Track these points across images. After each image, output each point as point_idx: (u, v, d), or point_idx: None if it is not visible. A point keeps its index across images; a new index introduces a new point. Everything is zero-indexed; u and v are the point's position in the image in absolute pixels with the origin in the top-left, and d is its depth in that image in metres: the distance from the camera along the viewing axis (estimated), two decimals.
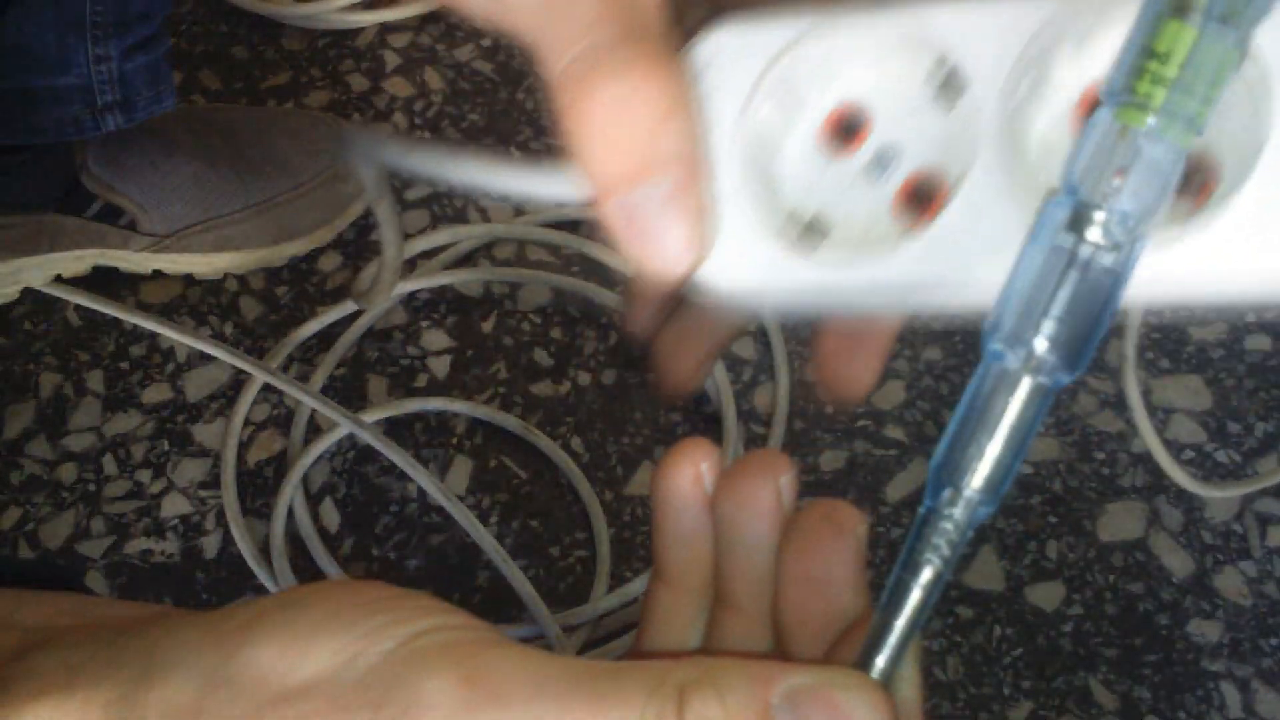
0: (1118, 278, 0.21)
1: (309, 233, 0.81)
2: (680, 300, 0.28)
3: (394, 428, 0.76)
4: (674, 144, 0.23)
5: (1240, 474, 0.75)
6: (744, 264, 0.24)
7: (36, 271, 0.78)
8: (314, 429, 0.76)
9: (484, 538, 0.70)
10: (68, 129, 0.72)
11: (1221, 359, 0.80)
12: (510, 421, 0.76)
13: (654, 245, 0.24)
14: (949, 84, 0.23)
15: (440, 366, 0.79)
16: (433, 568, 0.71)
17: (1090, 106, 0.22)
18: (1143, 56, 0.20)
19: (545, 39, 0.23)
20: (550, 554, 0.72)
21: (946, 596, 0.70)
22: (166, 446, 0.75)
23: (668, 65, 0.23)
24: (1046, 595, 0.71)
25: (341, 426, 0.74)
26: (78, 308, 0.80)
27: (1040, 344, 0.21)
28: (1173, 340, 0.81)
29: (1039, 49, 0.22)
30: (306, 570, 0.71)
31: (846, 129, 0.24)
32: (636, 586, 0.70)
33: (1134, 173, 0.20)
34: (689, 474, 0.29)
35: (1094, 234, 0.21)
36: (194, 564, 0.71)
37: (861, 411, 0.77)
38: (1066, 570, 0.72)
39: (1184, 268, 0.22)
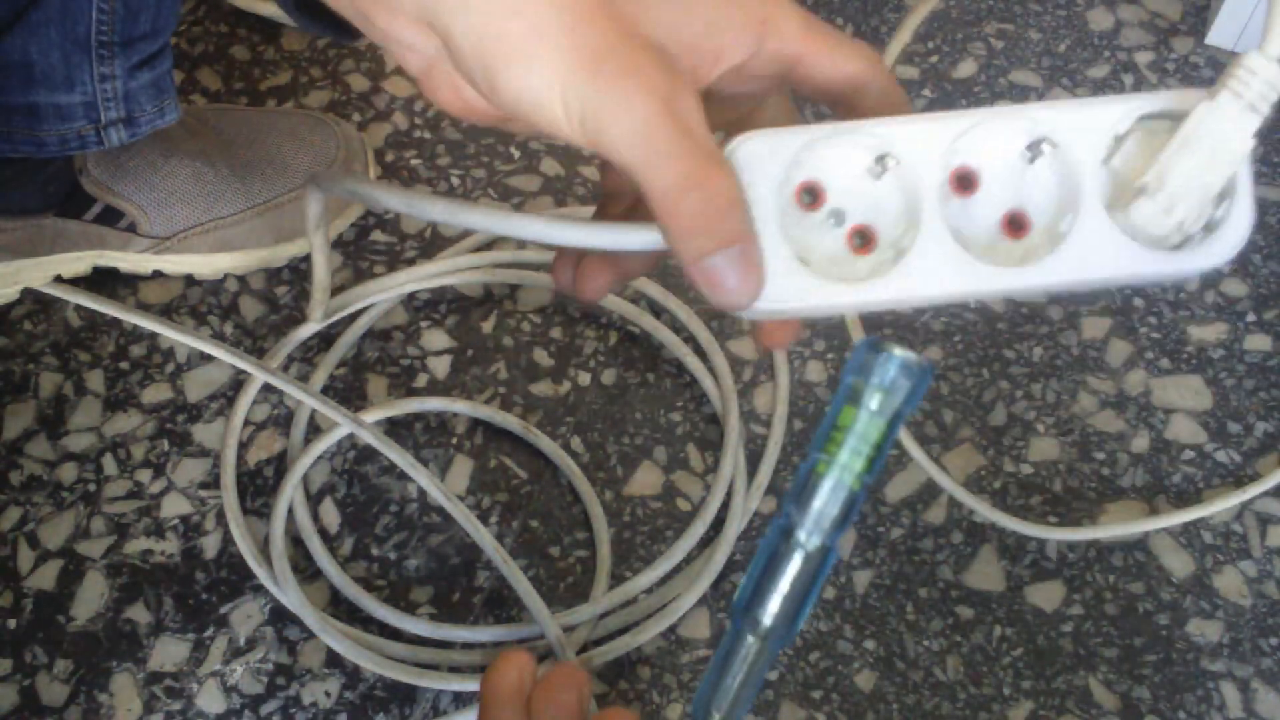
0: (819, 572, 0.32)
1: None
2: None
3: (394, 428, 0.76)
4: (737, 224, 0.33)
5: (1240, 474, 0.75)
6: (783, 290, 0.35)
7: (36, 272, 0.78)
8: (314, 429, 0.76)
9: (484, 538, 0.70)
10: (71, 144, 0.72)
11: (1221, 359, 0.80)
12: (510, 421, 0.76)
13: (729, 292, 0.34)
14: (878, 169, 0.35)
15: (440, 366, 0.79)
16: (433, 568, 0.71)
17: (958, 181, 0.35)
18: (830, 429, 0.34)
19: (643, 164, 0.33)
20: (550, 554, 0.72)
21: (947, 596, 0.70)
22: (166, 446, 0.75)
23: (724, 171, 0.33)
24: (1046, 595, 0.71)
25: (341, 426, 0.74)
26: (78, 308, 0.80)
27: (766, 617, 0.32)
28: (1173, 340, 0.81)
29: (956, 145, 0.35)
30: (306, 570, 0.71)
31: (812, 195, 0.35)
32: (637, 586, 0.70)
33: (818, 499, 0.33)
34: (514, 677, 0.41)
35: (803, 544, 0.32)
36: (194, 564, 0.71)
37: None
38: (1066, 570, 0.72)
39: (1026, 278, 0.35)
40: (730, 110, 0.39)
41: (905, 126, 0.35)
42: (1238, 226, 0.35)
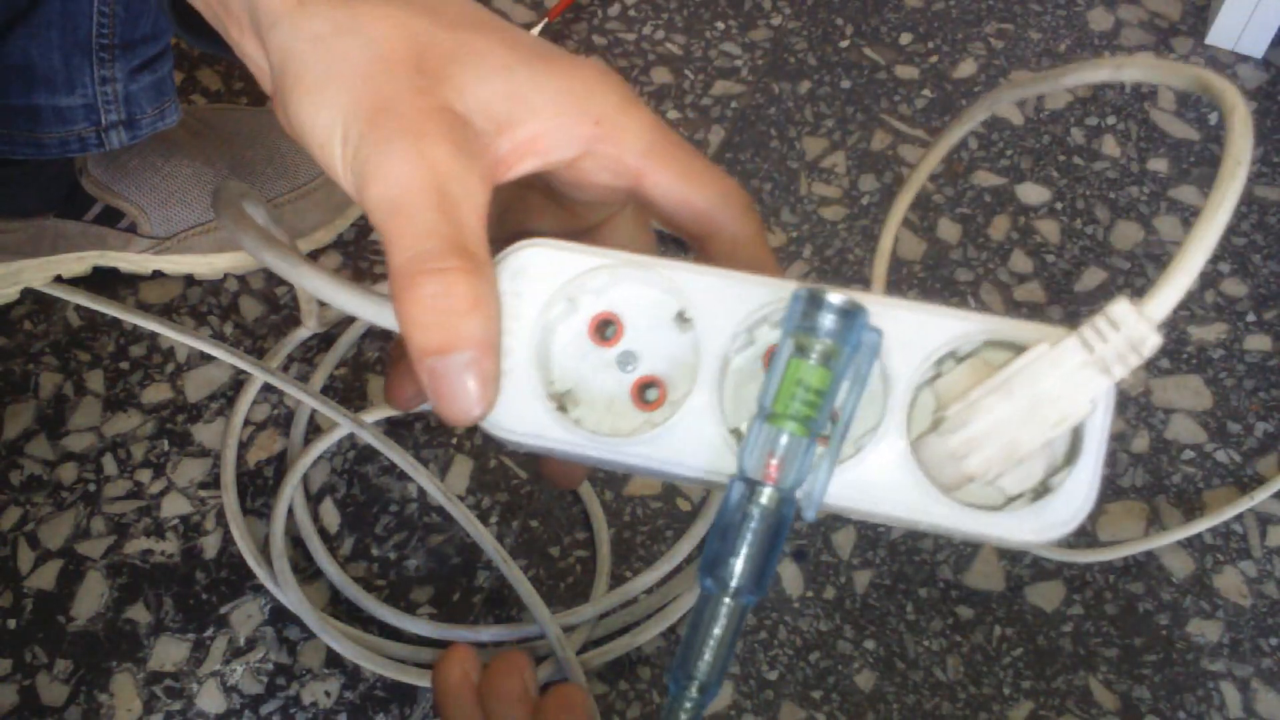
0: (780, 526, 0.31)
1: (309, 234, 0.81)
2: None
3: (394, 427, 0.76)
4: (474, 329, 0.30)
5: (1241, 474, 0.75)
6: (520, 417, 0.32)
7: (37, 272, 0.78)
8: (314, 429, 0.76)
9: (484, 538, 0.70)
10: (72, 146, 0.72)
11: (1221, 359, 0.80)
12: None
13: (451, 400, 0.31)
14: (684, 320, 0.32)
15: None
16: (433, 568, 0.71)
17: (769, 358, 0.32)
18: (776, 383, 0.31)
19: (390, 236, 0.30)
20: (550, 554, 0.72)
21: (947, 596, 0.70)
22: (166, 446, 0.75)
23: (476, 268, 0.30)
24: (1047, 595, 0.71)
25: (341, 426, 0.74)
26: (78, 308, 0.80)
27: (731, 576, 0.31)
28: (1173, 340, 0.81)
29: (753, 318, 0.32)
30: (306, 570, 0.71)
31: (606, 331, 0.33)
32: (637, 586, 0.70)
33: (769, 451, 0.31)
34: (458, 672, 0.40)
35: (760, 499, 0.31)
36: (194, 564, 0.71)
37: None
38: (1066, 570, 0.72)
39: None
40: (575, 218, 0.36)
41: (703, 279, 0.32)
42: (1068, 502, 0.30)
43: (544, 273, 0.32)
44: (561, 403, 0.33)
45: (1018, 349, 0.30)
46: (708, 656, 0.32)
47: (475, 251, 0.30)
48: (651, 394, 0.33)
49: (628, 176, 0.33)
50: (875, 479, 0.31)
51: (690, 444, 0.32)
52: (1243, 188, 0.29)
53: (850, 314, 0.31)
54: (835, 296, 0.31)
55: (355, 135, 0.30)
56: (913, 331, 0.31)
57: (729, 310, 0.32)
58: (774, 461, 0.31)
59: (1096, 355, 0.29)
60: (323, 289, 0.33)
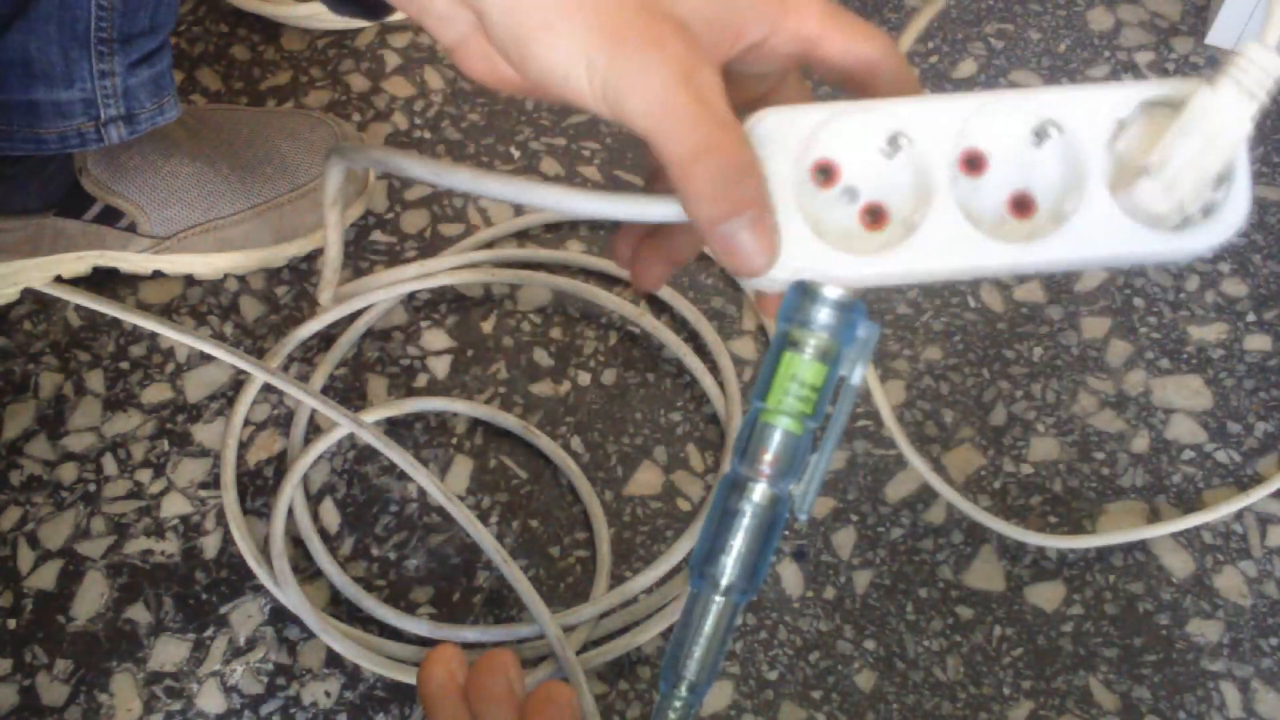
0: (774, 523, 0.32)
1: (309, 233, 0.81)
2: (651, 230, 0.42)
3: (394, 428, 0.76)
4: (752, 191, 0.34)
5: (1241, 474, 0.75)
6: (797, 259, 0.35)
7: (36, 272, 0.78)
8: (314, 429, 0.76)
9: (484, 538, 0.70)
10: (71, 141, 0.72)
11: (1221, 359, 0.80)
12: (510, 421, 0.76)
13: (744, 257, 0.35)
14: (891, 148, 0.36)
15: (440, 366, 0.79)
16: (433, 568, 0.71)
17: (967, 162, 0.36)
18: (770, 377, 0.34)
19: (663, 133, 0.34)
20: (550, 554, 0.72)
21: (947, 597, 0.70)
22: (166, 446, 0.75)
23: (739, 140, 0.35)
24: (1047, 595, 0.71)
25: (341, 426, 0.74)
26: (78, 308, 0.80)
27: (723, 574, 0.32)
28: (1173, 340, 0.81)
29: (968, 125, 0.36)
30: (306, 571, 0.71)
31: (827, 173, 0.36)
32: (637, 585, 0.70)
33: (762, 448, 0.32)
34: (443, 672, 0.42)
35: (753, 495, 0.32)
36: (194, 564, 0.71)
37: (861, 411, 0.77)
38: (1066, 570, 0.72)
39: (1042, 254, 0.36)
40: (748, 90, 0.40)
41: (918, 106, 0.36)
42: (1235, 209, 0.36)
43: (787, 132, 0.36)
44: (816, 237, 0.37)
45: (1172, 103, 0.36)
46: (698, 655, 0.32)
47: (735, 126, 0.35)
48: (875, 217, 0.36)
49: (807, 43, 0.38)
50: (1092, 231, 0.36)
51: (943, 242, 0.36)
52: None
53: (847, 307, 0.31)
54: (831, 290, 0.31)
55: (602, 61, 0.34)
56: (1090, 105, 0.36)
57: (942, 124, 0.36)
58: (767, 458, 0.31)
59: (1244, 86, 0.35)
60: (587, 205, 0.37)
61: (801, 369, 0.32)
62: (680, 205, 0.35)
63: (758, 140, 0.36)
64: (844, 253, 0.36)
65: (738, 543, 0.32)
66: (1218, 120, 0.35)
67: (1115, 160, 0.36)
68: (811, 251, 0.36)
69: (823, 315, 0.32)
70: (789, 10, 0.38)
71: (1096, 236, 0.36)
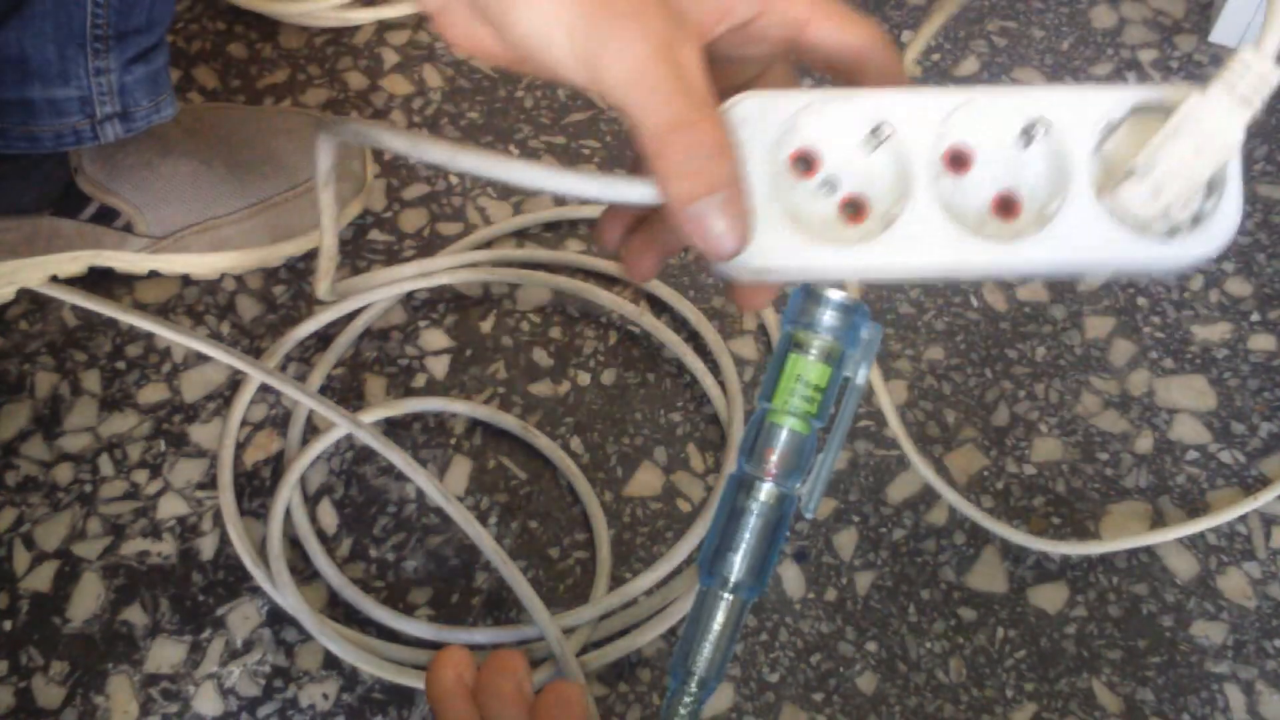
0: (780, 521, 0.32)
1: (306, 233, 0.81)
2: (641, 218, 0.41)
3: (392, 428, 0.76)
4: (725, 170, 0.34)
5: (1245, 475, 0.75)
6: (770, 248, 0.35)
7: (32, 272, 0.78)
8: (312, 429, 0.76)
9: (483, 539, 0.70)
10: (66, 139, 0.72)
11: (1226, 359, 0.79)
12: (509, 421, 0.75)
13: (714, 239, 0.34)
14: (873, 140, 0.36)
15: (439, 366, 0.78)
16: (431, 569, 0.71)
17: (952, 159, 0.35)
18: (775, 377, 0.34)
19: (636, 105, 0.33)
20: (550, 555, 0.72)
21: (949, 598, 0.70)
22: (163, 447, 0.75)
23: (715, 118, 0.34)
24: (1050, 597, 0.70)
25: (339, 427, 0.74)
26: (74, 308, 0.79)
27: (731, 571, 0.32)
28: (1177, 340, 0.80)
29: (950, 120, 0.35)
30: (304, 572, 0.71)
31: (806, 162, 0.36)
32: (637, 587, 0.70)
33: (768, 447, 0.33)
34: (451, 674, 0.42)
35: (760, 494, 0.33)
36: (191, 565, 0.71)
37: (863, 411, 0.76)
38: (1070, 572, 0.71)
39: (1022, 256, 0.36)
40: (735, 74, 0.40)
41: (902, 98, 0.36)
42: (1226, 218, 0.35)
43: (765, 117, 0.35)
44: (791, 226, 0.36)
45: (1164, 108, 0.35)
46: (707, 651, 0.32)
47: (712, 105, 0.34)
48: (855, 210, 0.36)
49: (795, 27, 0.38)
50: (1076, 234, 0.35)
51: (922, 238, 0.35)
52: None
53: (850, 310, 0.31)
54: (835, 293, 0.32)
55: (582, 29, 0.33)
56: (1080, 106, 0.35)
57: (927, 118, 0.36)
58: (773, 458, 0.31)
59: (1238, 93, 0.34)
60: (554, 181, 0.36)
61: (806, 370, 0.32)
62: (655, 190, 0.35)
63: (735, 122, 0.35)
64: (820, 244, 0.35)
65: (745, 541, 0.32)
66: (1208, 125, 0.34)
67: (1103, 163, 0.35)
68: (785, 240, 0.35)
69: (827, 317, 0.32)
70: None
71: (1081, 241, 0.35)
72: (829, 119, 0.36)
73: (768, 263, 0.35)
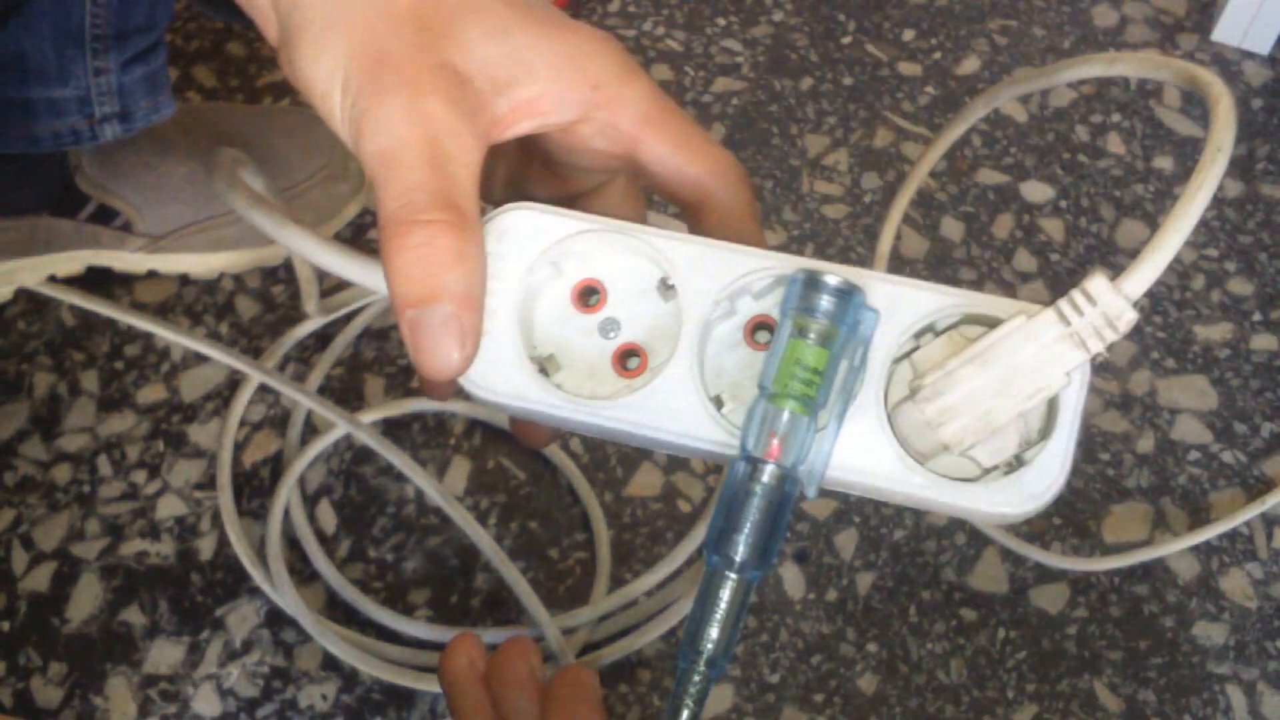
0: (784, 502, 0.32)
1: None
2: None
3: (391, 428, 0.76)
4: (456, 283, 0.30)
5: (1247, 475, 0.74)
6: (500, 378, 0.32)
7: (31, 271, 0.78)
8: (311, 429, 0.76)
9: (483, 539, 0.70)
10: (65, 139, 0.71)
11: (1227, 359, 0.79)
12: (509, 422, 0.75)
13: (430, 353, 0.31)
14: (666, 288, 0.33)
15: None
16: (431, 570, 0.71)
17: (752, 330, 0.33)
18: (775, 362, 0.31)
19: (381, 187, 0.30)
20: (549, 556, 0.71)
21: (950, 599, 0.70)
22: (162, 447, 0.75)
23: (463, 224, 0.30)
24: (1051, 597, 0.70)
25: (338, 427, 0.73)
26: (72, 307, 0.79)
27: (737, 551, 0.32)
28: (1178, 340, 0.80)
29: (735, 287, 0.32)
30: (303, 572, 0.70)
31: (589, 298, 0.33)
32: (637, 588, 0.69)
33: (769, 428, 0.31)
34: (464, 660, 0.42)
35: (763, 476, 0.31)
36: (189, 565, 0.71)
37: None
38: (1071, 573, 0.71)
39: None
40: (568, 183, 0.37)
41: (687, 247, 0.32)
42: (1044, 476, 0.30)
43: (530, 235, 0.32)
44: (543, 366, 0.33)
45: (996, 324, 0.30)
46: (714, 631, 0.32)
47: (464, 207, 0.31)
48: (633, 362, 0.33)
49: (623, 143, 0.33)
50: (853, 449, 0.32)
51: (668, 409, 0.32)
52: (1222, 174, 0.30)
53: (846, 294, 0.31)
54: (832, 278, 0.31)
55: (355, 86, 0.31)
56: (892, 304, 0.31)
57: (711, 278, 0.32)
58: (775, 440, 0.32)
59: (1073, 329, 0.29)
60: (309, 250, 0.34)
61: (805, 354, 0.32)
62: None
63: (496, 233, 0.32)
64: (561, 390, 0.32)
65: (749, 521, 0.32)
66: (1024, 359, 0.29)
67: (913, 373, 0.31)
68: (518, 378, 0.32)
69: (824, 302, 0.32)
70: (603, 100, 0.33)
71: (862, 460, 0.31)
72: (609, 254, 0.33)
73: (490, 395, 0.32)
